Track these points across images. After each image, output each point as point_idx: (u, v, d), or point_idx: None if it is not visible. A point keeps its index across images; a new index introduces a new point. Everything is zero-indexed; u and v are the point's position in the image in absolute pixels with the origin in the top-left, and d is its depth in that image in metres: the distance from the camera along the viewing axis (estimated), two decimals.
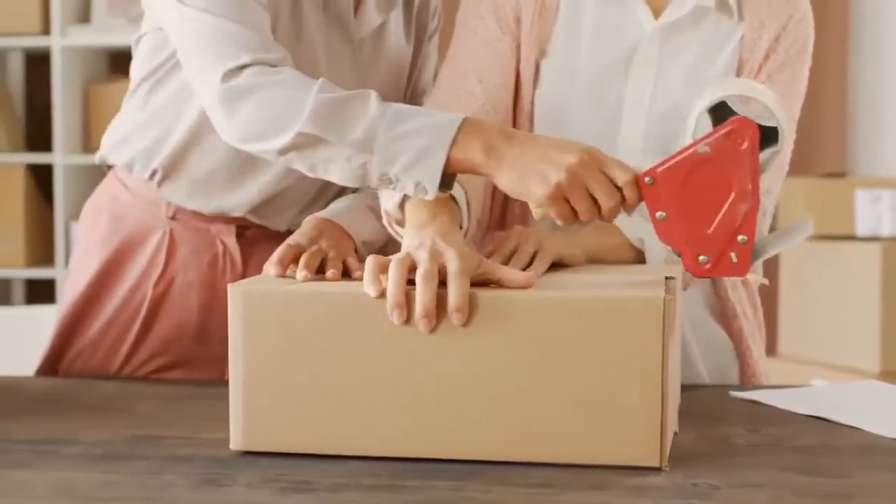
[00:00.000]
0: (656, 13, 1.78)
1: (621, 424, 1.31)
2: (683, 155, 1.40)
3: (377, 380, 1.35)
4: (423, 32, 1.95)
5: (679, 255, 1.42)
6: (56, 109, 4.19)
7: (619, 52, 1.79)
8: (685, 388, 1.65)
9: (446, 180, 1.48)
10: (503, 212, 1.85)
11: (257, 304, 1.38)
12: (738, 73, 1.81)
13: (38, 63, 4.47)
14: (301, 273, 1.48)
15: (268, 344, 1.37)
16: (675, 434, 1.45)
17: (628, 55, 1.79)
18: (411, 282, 1.34)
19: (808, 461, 1.37)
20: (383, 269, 1.35)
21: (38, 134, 4.48)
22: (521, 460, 1.34)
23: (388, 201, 1.59)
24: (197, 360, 1.91)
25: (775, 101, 1.44)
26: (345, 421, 1.36)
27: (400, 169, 1.48)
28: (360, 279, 1.37)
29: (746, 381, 1.89)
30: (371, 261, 1.36)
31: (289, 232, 1.84)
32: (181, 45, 1.66)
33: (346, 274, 1.53)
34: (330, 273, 1.50)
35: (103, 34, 4.21)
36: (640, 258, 1.73)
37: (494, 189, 1.80)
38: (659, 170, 1.41)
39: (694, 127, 1.45)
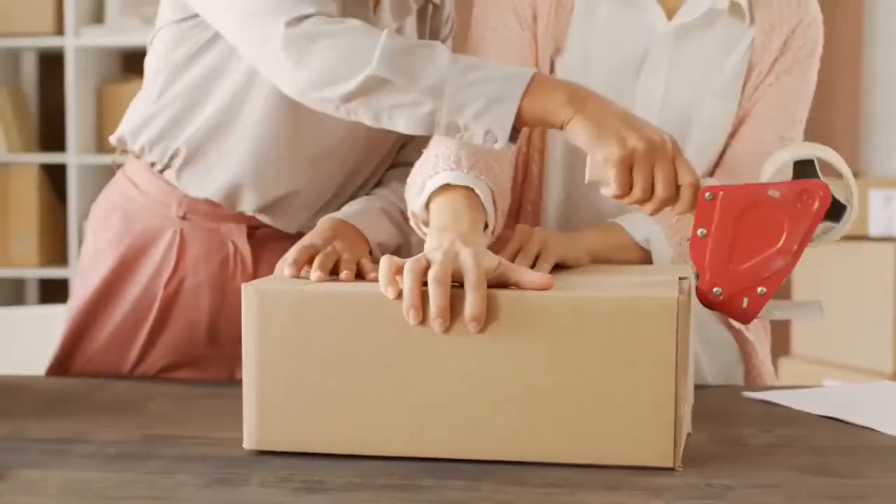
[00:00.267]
0: (669, 14, 1.78)
1: (635, 424, 1.31)
2: (751, 189, 1.40)
3: (391, 379, 1.35)
4: (437, 37, 1.95)
5: (697, 276, 1.42)
6: (69, 109, 4.20)
7: (632, 51, 1.79)
8: (697, 389, 1.65)
9: (513, 133, 1.48)
10: (517, 213, 1.85)
11: (271, 304, 1.38)
12: (748, 76, 1.81)
13: (51, 63, 4.48)
14: (315, 274, 1.48)
15: (281, 343, 1.37)
16: (689, 435, 1.45)
17: (641, 55, 1.79)
18: (427, 283, 1.34)
19: (822, 462, 1.37)
20: (398, 271, 1.35)
21: (51, 134, 4.49)
22: (534, 460, 1.33)
23: (414, 203, 1.59)
24: (206, 360, 1.91)
25: (855, 189, 1.44)
26: (358, 421, 1.36)
27: (470, 116, 1.47)
28: (375, 280, 1.37)
29: (751, 382, 1.89)
30: (385, 262, 1.36)
31: (300, 233, 1.84)
32: (232, 5, 1.64)
33: (359, 275, 1.52)
34: (344, 274, 1.49)
35: (116, 34, 4.22)
36: (645, 258, 1.73)
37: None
38: (722, 191, 1.40)
39: (773, 170, 1.45)
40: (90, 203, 2.01)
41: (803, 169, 1.42)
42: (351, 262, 1.55)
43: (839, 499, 1.24)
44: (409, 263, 1.35)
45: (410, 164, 1.96)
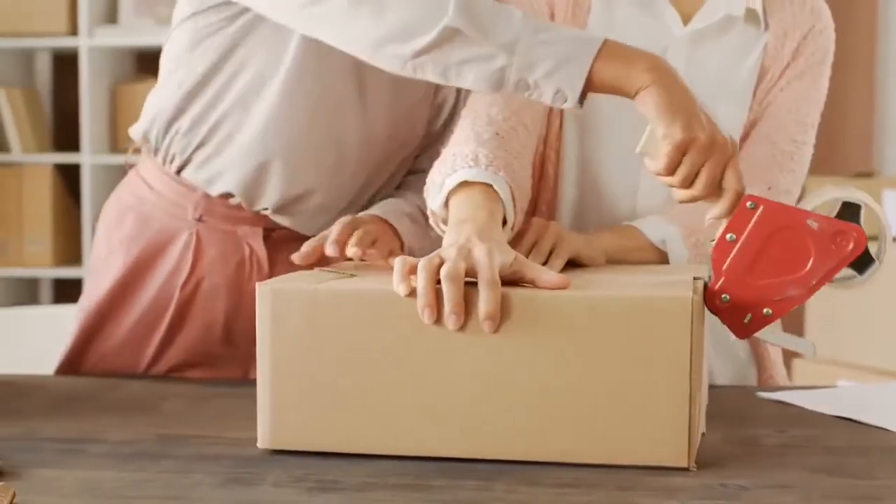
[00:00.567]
0: (685, 19, 1.78)
1: (649, 424, 1.31)
2: (792, 211, 1.40)
3: (405, 379, 1.35)
4: None
5: (710, 276, 1.42)
6: (83, 109, 4.21)
7: None
8: (711, 389, 1.65)
9: (581, 96, 1.48)
10: (532, 212, 1.85)
11: (285, 303, 1.38)
12: (760, 81, 1.81)
13: (65, 63, 4.49)
14: (353, 250, 1.48)
15: (295, 343, 1.37)
16: (703, 435, 1.45)
17: None
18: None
19: (837, 462, 1.37)
20: (412, 270, 1.35)
21: (65, 134, 4.51)
22: (548, 460, 1.33)
23: (433, 201, 1.59)
24: (221, 359, 1.91)
25: (886, 248, 1.44)
26: (372, 420, 1.36)
27: (541, 74, 1.47)
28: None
29: (764, 384, 1.88)
30: (400, 261, 1.36)
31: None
32: None
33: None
34: (375, 251, 1.49)
35: (130, 35, 4.23)
36: (661, 260, 1.73)
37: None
38: (764, 205, 1.40)
39: (819, 202, 1.45)
40: (104, 203, 2.01)
41: (848, 211, 1.42)
42: (384, 247, 1.55)
43: (853, 499, 1.23)
44: (422, 262, 1.35)
45: (427, 171, 1.97)
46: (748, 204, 1.40)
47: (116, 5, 4.33)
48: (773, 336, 1.44)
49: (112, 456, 1.40)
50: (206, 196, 1.86)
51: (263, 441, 1.39)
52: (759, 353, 1.88)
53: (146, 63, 4.48)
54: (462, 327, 1.33)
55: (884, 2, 4.27)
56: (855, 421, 1.55)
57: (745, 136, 1.83)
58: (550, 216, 1.83)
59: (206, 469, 1.34)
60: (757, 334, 1.43)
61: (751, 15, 1.80)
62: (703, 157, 1.43)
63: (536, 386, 1.33)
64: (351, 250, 1.48)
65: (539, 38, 1.48)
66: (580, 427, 1.32)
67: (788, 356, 1.84)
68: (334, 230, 1.60)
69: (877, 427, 1.51)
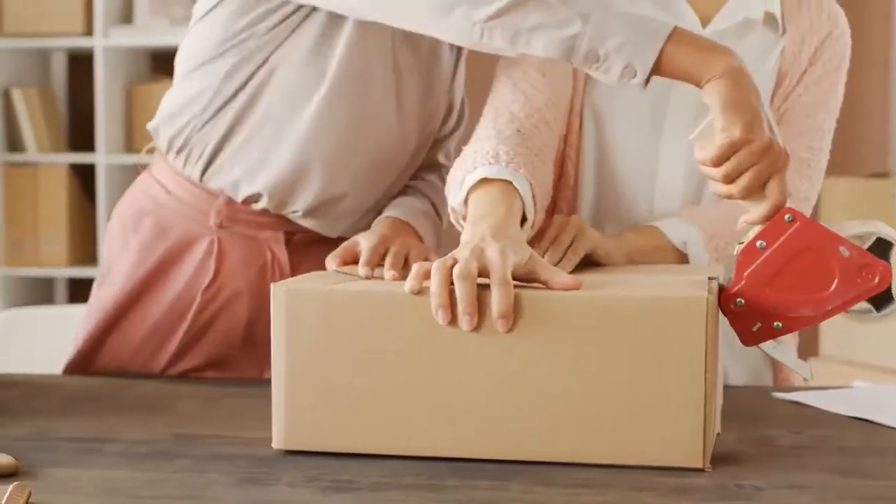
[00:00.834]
0: (704, 22, 1.78)
1: (664, 425, 1.31)
2: (827, 234, 1.40)
3: (419, 379, 1.35)
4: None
5: (730, 278, 1.42)
6: (99, 110, 4.22)
7: None
8: (726, 389, 1.65)
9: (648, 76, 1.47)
10: (551, 211, 1.85)
11: (300, 304, 1.38)
12: (778, 85, 1.81)
13: (80, 63, 4.51)
14: (389, 273, 1.49)
15: (310, 343, 1.37)
16: (718, 435, 1.45)
17: None
18: None
19: (852, 463, 1.36)
20: (427, 274, 1.35)
21: (80, 134, 4.52)
22: (562, 460, 1.33)
23: (454, 198, 1.59)
24: (237, 361, 1.91)
25: None
26: (386, 420, 1.36)
27: (612, 47, 1.47)
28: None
29: (779, 385, 1.88)
30: (417, 265, 1.37)
31: (340, 238, 1.84)
32: None
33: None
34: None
35: (145, 35, 4.24)
36: (681, 261, 1.73)
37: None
38: (801, 221, 1.40)
39: (855, 233, 1.45)
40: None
41: (881, 248, 1.43)
42: (420, 256, 1.56)
43: (869, 500, 1.23)
44: (436, 263, 1.35)
45: (436, 163, 1.97)
46: (787, 216, 1.40)
47: (131, 5, 4.34)
48: (776, 350, 1.44)
49: (127, 455, 1.40)
50: (229, 202, 1.85)
51: (278, 441, 1.39)
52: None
53: (161, 63, 4.49)
54: (476, 328, 1.33)
55: None
56: (870, 421, 1.54)
57: None
58: (570, 215, 1.83)
59: (221, 469, 1.34)
60: (762, 346, 1.43)
61: (769, 19, 1.80)
62: (753, 160, 1.43)
63: (551, 386, 1.33)
64: (388, 274, 1.49)
65: (612, 11, 1.47)
66: (594, 427, 1.32)
67: (803, 355, 1.83)
68: (364, 252, 1.61)
69: (892, 428, 1.51)
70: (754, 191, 1.44)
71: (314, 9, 1.75)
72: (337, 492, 1.25)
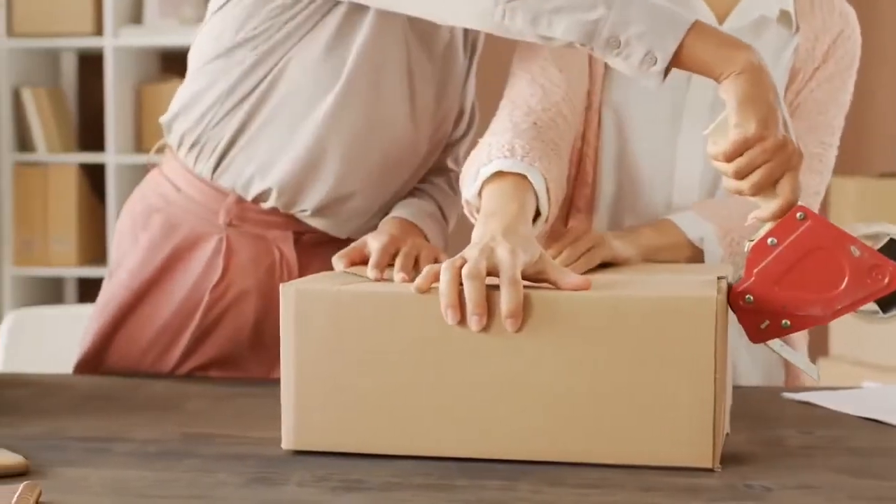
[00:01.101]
0: (720, 19, 1.78)
1: (673, 425, 1.31)
2: (838, 233, 1.40)
3: (428, 379, 1.35)
4: (475, 48, 1.96)
5: (739, 275, 1.42)
6: (108, 109, 4.22)
7: None
8: (737, 389, 1.65)
9: (667, 67, 1.47)
10: (568, 209, 1.85)
11: (309, 304, 1.38)
12: (791, 82, 1.82)
13: (90, 63, 4.51)
14: (399, 276, 1.49)
15: (319, 344, 1.37)
16: (727, 435, 1.44)
17: None
18: None
19: (862, 463, 1.36)
20: (437, 277, 1.35)
21: (90, 134, 4.52)
22: (571, 461, 1.33)
23: (468, 190, 1.59)
24: (246, 360, 1.92)
25: None
26: (395, 421, 1.36)
27: (634, 33, 1.46)
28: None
29: (792, 384, 1.88)
30: (428, 267, 1.37)
31: (349, 238, 1.84)
32: None
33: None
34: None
35: (155, 35, 4.24)
36: (697, 257, 1.73)
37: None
38: (813, 220, 1.40)
39: (865, 232, 1.45)
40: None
41: (892, 248, 1.42)
42: (430, 257, 1.56)
43: (879, 500, 1.23)
44: (445, 263, 1.35)
45: (444, 167, 1.97)
46: (798, 214, 1.40)
47: (141, 6, 4.34)
48: (784, 349, 1.44)
49: (137, 455, 1.40)
50: (239, 200, 1.85)
51: (288, 442, 1.39)
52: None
53: (171, 63, 4.50)
54: (485, 328, 1.33)
55: None
56: (880, 422, 1.54)
57: None
58: (588, 213, 1.83)
59: (231, 468, 1.34)
60: (769, 344, 1.43)
61: (784, 17, 1.80)
62: (766, 157, 1.42)
63: (560, 386, 1.33)
64: (398, 277, 1.49)
65: (634, 0, 1.47)
66: (603, 427, 1.32)
67: (812, 355, 1.83)
68: (374, 253, 1.61)
69: None
70: (765, 188, 1.43)
71: (332, 6, 1.75)
72: (346, 492, 1.26)
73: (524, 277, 1.35)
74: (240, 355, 1.91)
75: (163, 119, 1.91)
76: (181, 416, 1.60)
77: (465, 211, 1.63)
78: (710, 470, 1.31)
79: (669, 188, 1.81)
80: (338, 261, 1.69)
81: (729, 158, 1.44)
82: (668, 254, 1.72)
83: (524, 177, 1.53)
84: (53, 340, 2.29)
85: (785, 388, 1.79)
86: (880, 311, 1.44)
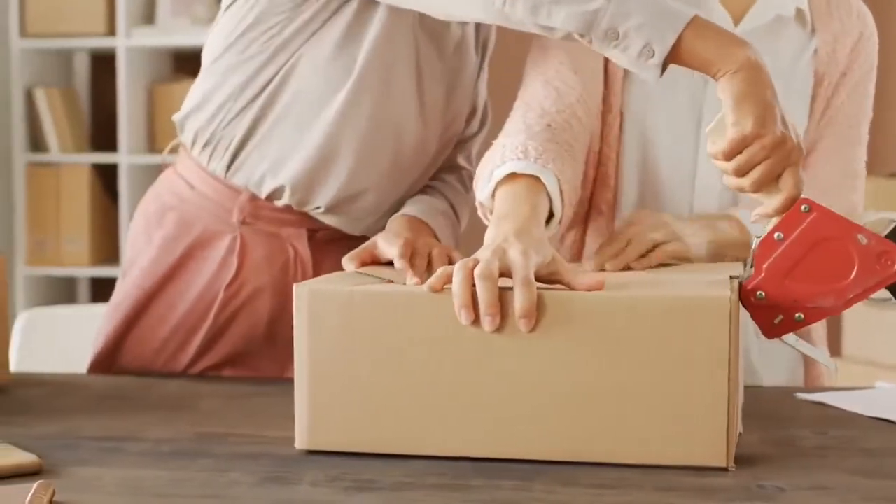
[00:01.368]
0: (736, 20, 1.78)
1: (687, 425, 1.31)
2: (844, 222, 1.39)
3: (441, 379, 1.35)
4: (486, 47, 1.96)
5: (750, 272, 1.42)
6: (121, 110, 4.23)
7: None
8: (751, 390, 1.64)
9: (661, 67, 1.47)
10: (588, 212, 1.85)
11: (322, 304, 1.38)
12: (817, 87, 1.81)
13: (103, 64, 4.52)
14: (412, 280, 1.49)
15: (333, 344, 1.38)
16: (740, 435, 1.44)
17: None
18: None
19: (876, 464, 1.36)
20: (450, 279, 1.35)
21: (103, 134, 4.53)
22: (585, 460, 1.33)
23: (481, 192, 1.59)
24: (259, 358, 1.92)
25: None
26: (409, 420, 1.36)
27: (633, 25, 1.46)
28: None
29: (811, 382, 1.88)
30: (441, 269, 1.37)
31: (363, 236, 1.85)
32: None
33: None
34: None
35: (167, 35, 4.25)
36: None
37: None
38: (818, 211, 1.40)
39: (871, 219, 1.45)
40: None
41: None
42: (442, 255, 1.56)
43: (892, 501, 1.23)
44: (458, 264, 1.35)
45: (456, 165, 1.97)
46: (803, 207, 1.40)
47: (154, 6, 4.35)
48: (799, 343, 1.44)
49: (151, 454, 1.40)
50: (253, 198, 1.86)
51: (301, 442, 1.40)
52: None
53: (183, 63, 4.50)
54: (498, 328, 1.33)
55: None
56: (893, 422, 1.54)
57: (811, 151, 1.84)
58: (610, 216, 1.83)
59: (244, 468, 1.34)
60: (784, 339, 1.42)
61: (800, 16, 1.80)
62: (764, 155, 1.42)
63: (573, 386, 1.33)
64: (410, 281, 1.49)
65: None
66: (617, 427, 1.32)
67: (834, 352, 1.83)
68: (397, 262, 1.62)
69: None
70: (765, 184, 1.43)
71: (343, 3, 1.76)
72: (359, 491, 1.26)
73: (537, 279, 1.35)
74: (253, 353, 1.91)
75: (176, 117, 1.92)
76: (195, 416, 1.60)
77: (479, 213, 1.63)
78: (724, 469, 1.31)
79: (691, 189, 1.81)
80: (348, 262, 1.69)
81: (728, 157, 1.44)
82: (737, 251, 1.71)
83: (537, 178, 1.53)
84: (66, 340, 2.30)
85: (798, 389, 1.78)
86: (893, 298, 1.44)
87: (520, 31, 1.58)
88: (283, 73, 1.79)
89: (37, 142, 4.36)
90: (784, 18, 1.80)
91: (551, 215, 1.54)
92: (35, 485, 1.22)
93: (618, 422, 1.32)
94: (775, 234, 1.40)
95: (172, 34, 4.24)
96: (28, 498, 1.19)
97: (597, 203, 1.83)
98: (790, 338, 1.43)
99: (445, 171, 1.97)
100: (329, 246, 1.88)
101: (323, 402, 1.38)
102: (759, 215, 1.44)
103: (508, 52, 2.00)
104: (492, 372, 1.34)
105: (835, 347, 3.88)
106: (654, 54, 1.45)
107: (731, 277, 1.43)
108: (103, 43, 4.25)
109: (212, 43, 1.88)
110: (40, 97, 4.30)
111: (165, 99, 4.28)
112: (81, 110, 4.52)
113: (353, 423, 1.38)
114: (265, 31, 1.79)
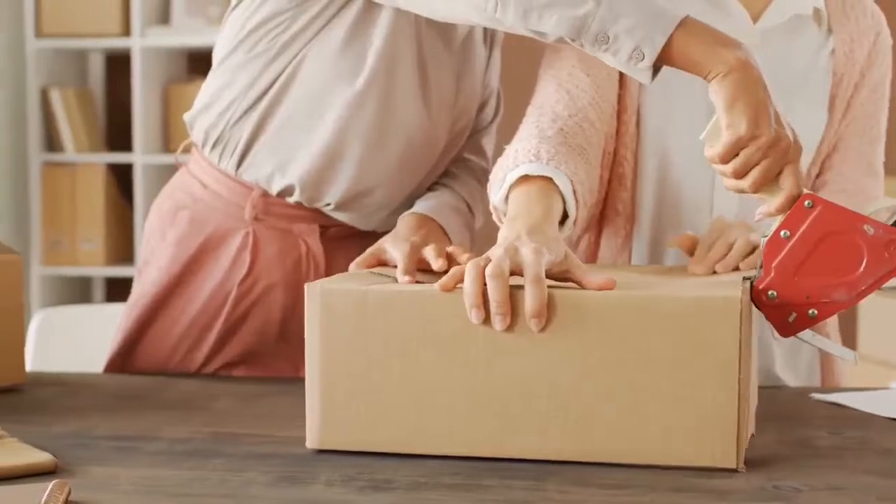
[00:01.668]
0: (754, 18, 1.78)
1: (698, 425, 1.31)
2: (849, 215, 1.39)
3: (454, 379, 1.35)
4: (495, 38, 1.96)
5: (759, 274, 1.41)
6: (136, 109, 4.24)
7: None
8: (766, 390, 1.64)
9: (656, 64, 1.47)
10: (602, 213, 1.84)
11: (334, 303, 1.38)
12: (836, 88, 1.81)
13: (118, 64, 4.53)
14: (404, 278, 1.49)
15: (344, 343, 1.38)
16: (752, 435, 1.44)
17: None
18: None
19: (892, 465, 1.36)
20: (461, 279, 1.35)
21: (118, 134, 4.54)
22: (598, 461, 1.33)
23: (495, 196, 1.59)
24: (272, 356, 1.92)
25: None
26: (422, 420, 1.36)
27: (623, 28, 1.46)
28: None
29: (829, 382, 1.88)
30: (454, 269, 1.37)
31: (374, 232, 1.85)
32: None
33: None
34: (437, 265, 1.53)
35: (182, 35, 4.26)
36: None
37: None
38: (822, 206, 1.40)
39: (876, 208, 1.44)
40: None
41: None
42: (435, 251, 1.57)
43: None
44: (469, 264, 1.35)
45: (468, 159, 1.97)
46: (806, 203, 1.40)
47: (168, 6, 4.36)
48: (816, 339, 1.43)
49: (166, 454, 1.41)
50: (264, 195, 1.86)
51: (312, 441, 1.40)
52: (825, 352, 1.87)
53: (198, 63, 4.51)
54: (509, 327, 1.33)
55: None
56: None
57: (831, 152, 1.84)
58: (629, 217, 1.83)
59: (259, 468, 1.34)
60: (801, 336, 1.42)
61: (818, 15, 1.80)
62: (761, 155, 1.42)
63: (585, 387, 1.32)
64: (402, 279, 1.49)
65: None
66: (630, 428, 1.32)
67: None
68: (400, 261, 1.61)
69: None
70: (764, 185, 1.43)
71: (347, 1, 1.76)
72: (374, 491, 1.26)
73: (549, 277, 1.35)
74: (267, 352, 1.91)
75: (186, 116, 1.92)
76: (209, 416, 1.61)
77: (494, 217, 1.63)
78: (735, 470, 1.31)
79: (711, 191, 1.81)
80: (356, 268, 1.69)
81: (724, 160, 1.44)
82: None
83: (550, 180, 1.53)
84: (81, 340, 2.31)
85: (814, 389, 1.78)
86: None
87: None
88: (289, 71, 1.80)
89: (52, 142, 4.37)
90: (802, 17, 1.80)
91: (566, 217, 1.54)
92: (51, 484, 1.22)
93: (629, 422, 1.32)
94: (781, 233, 1.40)
95: (187, 34, 4.25)
96: (44, 497, 1.19)
97: (613, 203, 1.83)
98: (806, 334, 1.42)
99: (458, 166, 1.97)
100: (341, 242, 1.89)
101: (335, 402, 1.38)
102: (762, 215, 1.44)
103: (523, 43, 1.99)
104: (504, 371, 1.34)
105: (850, 347, 3.87)
106: (643, 57, 1.45)
107: (743, 279, 1.43)
108: (118, 43, 4.27)
109: (220, 42, 1.89)
110: (55, 97, 4.31)
111: (180, 99, 4.29)
112: (96, 110, 4.54)
113: (364, 423, 1.38)
114: (271, 30, 1.79)
